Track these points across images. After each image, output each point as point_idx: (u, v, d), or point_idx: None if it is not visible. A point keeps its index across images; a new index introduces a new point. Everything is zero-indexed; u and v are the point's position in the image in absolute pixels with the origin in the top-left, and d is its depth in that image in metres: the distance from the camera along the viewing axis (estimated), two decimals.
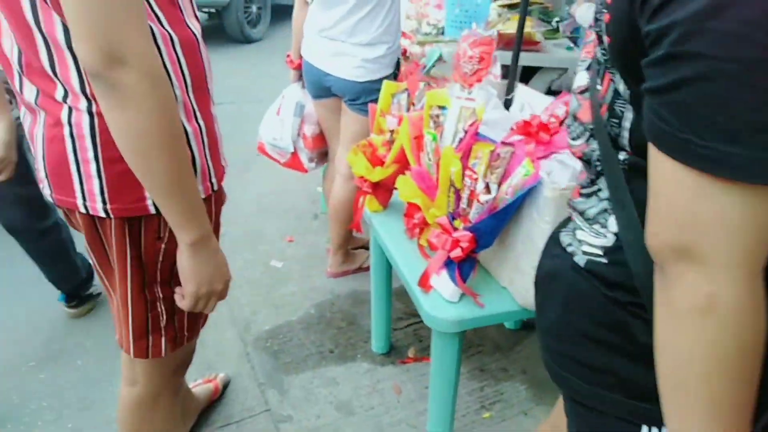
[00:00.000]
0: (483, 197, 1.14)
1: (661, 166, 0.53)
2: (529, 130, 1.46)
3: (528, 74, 3.35)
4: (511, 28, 2.76)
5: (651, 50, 0.53)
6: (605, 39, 0.65)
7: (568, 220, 0.83)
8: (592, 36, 0.74)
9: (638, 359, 0.67)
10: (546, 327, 0.80)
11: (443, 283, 1.28)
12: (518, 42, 1.79)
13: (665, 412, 0.59)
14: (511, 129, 1.48)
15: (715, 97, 0.48)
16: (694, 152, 0.49)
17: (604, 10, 0.65)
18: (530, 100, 1.67)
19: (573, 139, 0.79)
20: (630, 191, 0.65)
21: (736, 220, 0.48)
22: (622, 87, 0.64)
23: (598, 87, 0.70)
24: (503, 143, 1.22)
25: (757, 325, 0.51)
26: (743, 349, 0.51)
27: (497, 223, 1.17)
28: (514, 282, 1.28)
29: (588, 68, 0.77)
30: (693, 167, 0.49)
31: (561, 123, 1.44)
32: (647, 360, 0.60)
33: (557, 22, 3.24)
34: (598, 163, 0.71)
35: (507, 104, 1.72)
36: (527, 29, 2.80)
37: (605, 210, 0.71)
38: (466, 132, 1.30)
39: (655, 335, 0.57)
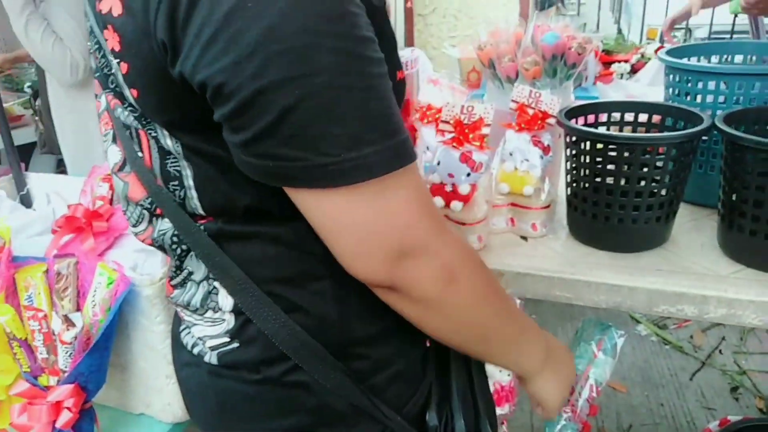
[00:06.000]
0: (67, 335, 0.84)
1: (317, 204, 0.48)
2: (77, 224, 1.17)
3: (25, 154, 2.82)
4: None
5: (216, 99, 0.45)
6: (128, 94, 0.53)
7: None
8: (103, 102, 0.60)
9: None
10: None
11: None
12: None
13: (508, 367, 0.73)
14: (53, 231, 1.16)
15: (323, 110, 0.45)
16: (337, 170, 0.45)
17: (113, 60, 0.52)
18: (55, 189, 1.36)
19: (134, 225, 0.63)
20: (230, 257, 0.56)
21: (415, 203, 0.50)
22: (169, 142, 0.54)
23: (140, 154, 0.57)
24: (58, 256, 0.93)
25: (477, 255, 0.58)
26: (489, 275, 0.58)
27: (102, 355, 0.89)
28: (153, 404, 1.03)
29: (114, 140, 0.61)
30: (346, 183, 0.46)
31: (111, 201, 1.21)
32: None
33: (29, 86, 2.82)
34: (175, 244, 0.60)
35: (26, 202, 1.35)
36: (6, 105, 2.31)
37: (210, 292, 0.59)
38: None
39: (436, 336, 0.59)
